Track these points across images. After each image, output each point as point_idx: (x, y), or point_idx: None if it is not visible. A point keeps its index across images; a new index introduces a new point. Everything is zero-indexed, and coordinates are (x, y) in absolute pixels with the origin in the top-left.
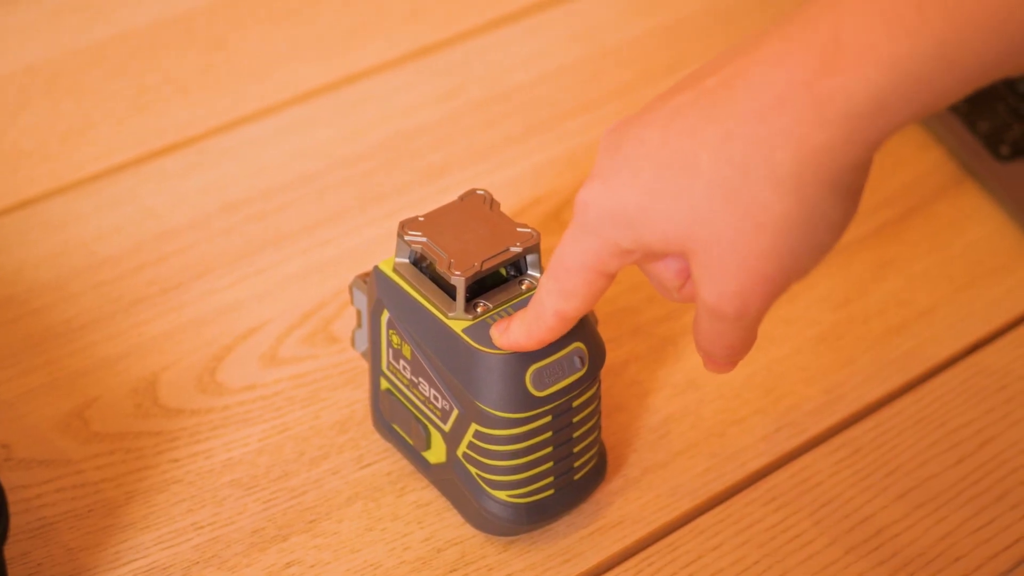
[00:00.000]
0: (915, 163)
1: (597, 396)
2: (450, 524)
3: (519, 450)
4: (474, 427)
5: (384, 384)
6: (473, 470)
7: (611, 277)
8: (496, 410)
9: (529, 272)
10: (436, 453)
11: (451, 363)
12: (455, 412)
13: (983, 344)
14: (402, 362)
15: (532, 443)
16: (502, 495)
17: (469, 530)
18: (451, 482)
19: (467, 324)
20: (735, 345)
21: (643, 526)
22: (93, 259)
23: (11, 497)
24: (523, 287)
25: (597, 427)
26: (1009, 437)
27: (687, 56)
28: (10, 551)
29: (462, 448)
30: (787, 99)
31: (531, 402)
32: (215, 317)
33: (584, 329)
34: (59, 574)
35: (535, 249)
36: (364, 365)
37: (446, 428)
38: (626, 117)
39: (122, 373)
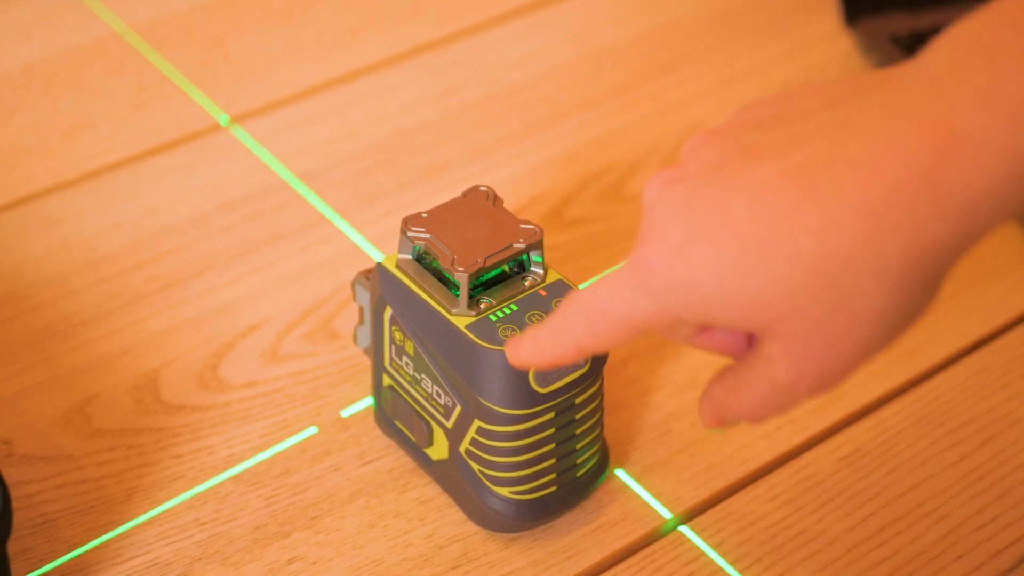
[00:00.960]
0: None
1: (600, 393)
2: (452, 521)
3: (522, 447)
4: (477, 423)
5: (386, 380)
6: (475, 467)
7: (647, 334)
8: (499, 407)
9: (532, 269)
10: (438, 449)
11: (454, 359)
12: (458, 408)
13: (984, 342)
14: (404, 358)
15: (535, 440)
16: (504, 492)
17: (471, 527)
18: (453, 479)
19: (470, 320)
20: (778, 412)
21: (645, 523)
22: (93, 256)
23: (13, 493)
24: (526, 283)
25: (599, 424)
26: (1010, 435)
27: (684, 55)
28: (13, 547)
29: (464, 445)
30: (903, 192)
31: (534, 399)
32: (215, 314)
33: None
34: (61, 570)
35: (538, 245)
36: (365, 362)
37: (449, 425)
38: (685, 168)
39: (123, 370)
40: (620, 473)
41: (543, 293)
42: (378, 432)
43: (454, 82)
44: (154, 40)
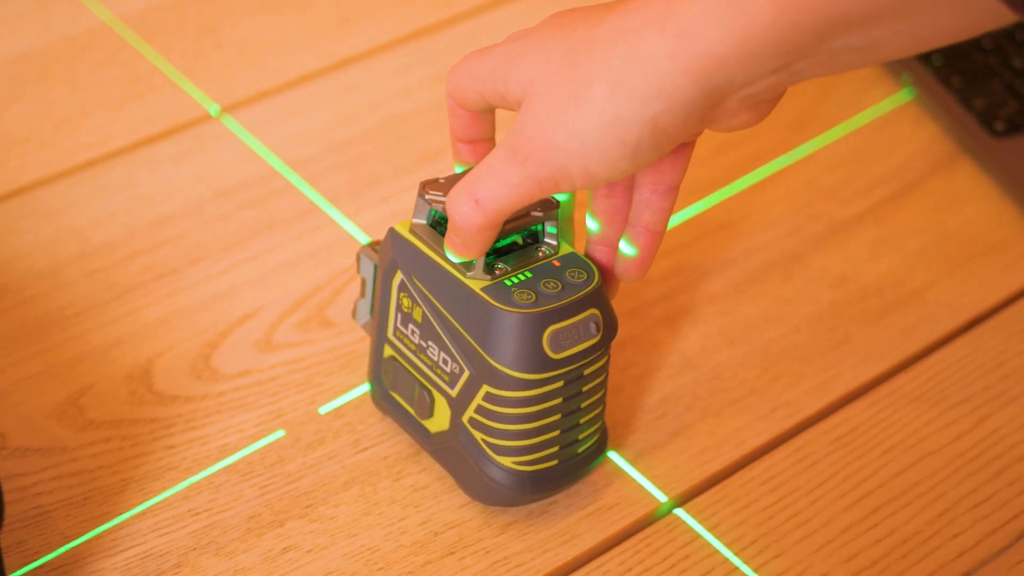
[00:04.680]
0: (910, 141)
1: (606, 369)
2: (447, 507)
3: (529, 414)
4: (485, 389)
5: (387, 352)
6: (479, 435)
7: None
8: (511, 370)
9: (546, 239)
10: (438, 421)
11: (467, 322)
12: (465, 375)
13: (980, 321)
14: (411, 326)
15: (542, 408)
16: (507, 461)
17: (466, 513)
18: (453, 451)
19: (486, 283)
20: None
21: (641, 507)
22: (87, 247)
23: (7, 486)
24: (539, 254)
25: (603, 402)
26: (1007, 414)
27: None
28: (6, 539)
29: (469, 413)
30: (646, 5)
31: (546, 364)
32: (209, 303)
33: (600, 298)
34: (56, 562)
35: (554, 217)
36: (360, 350)
37: (453, 393)
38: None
39: (117, 360)
40: (616, 457)
41: (556, 264)
42: (372, 420)
43: (448, 67)
44: (147, 29)
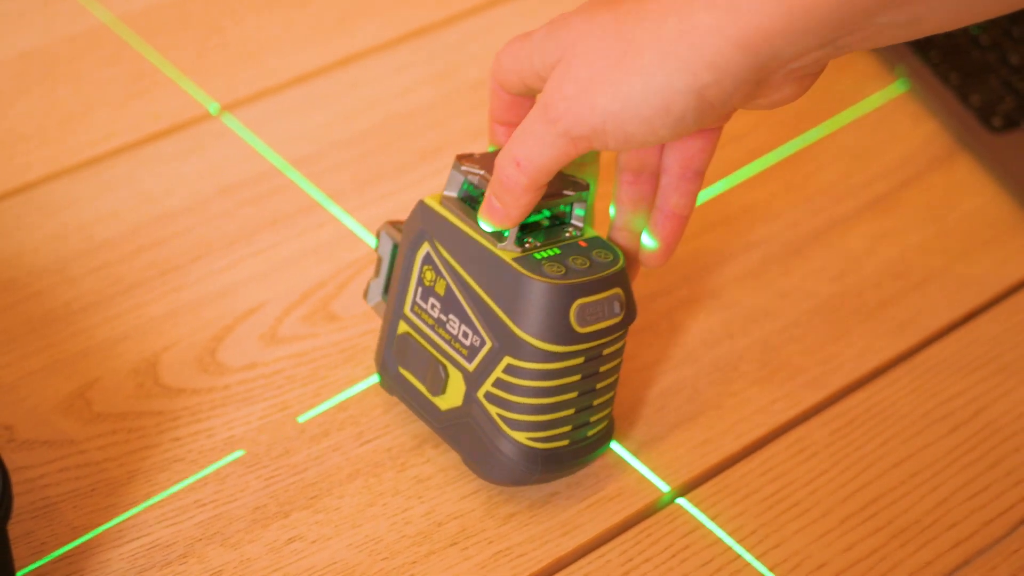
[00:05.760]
0: (909, 136)
1: (622, 352)
2: (451, 498)
3: (547, 388)
4: (507, 360)
5: (402, 328)
6: (494, 410)
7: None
8: (538, 339)
9: (573, 221)
10: (451, 397)
11: (496, 292)
12: (487, 346)
13: (977, 314)
14: (431, 300)
15: (561, 383)
16: (520, 436)
17: (469, 504)
18: (465, 426)
19: (516, 255)
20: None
21: (641, 497)
22: (92, 242)
23: (15, 478)
24: (566, 234)
25: (615, 387)
26: (1002, 405)
27: None
28: (15, 530)
29: (486, 387)
30: None
31: (571, 337)
32: (214, 298)
33: (624, 280)
34: (64, 553)
35: (583, 199)
36: (364, 343)
37: (470, 367)
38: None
39: (123, 354)
40: (618, 447)
41: (583, 244)
42: (376, 412)
43: (450, 65)
44: (151, 27)
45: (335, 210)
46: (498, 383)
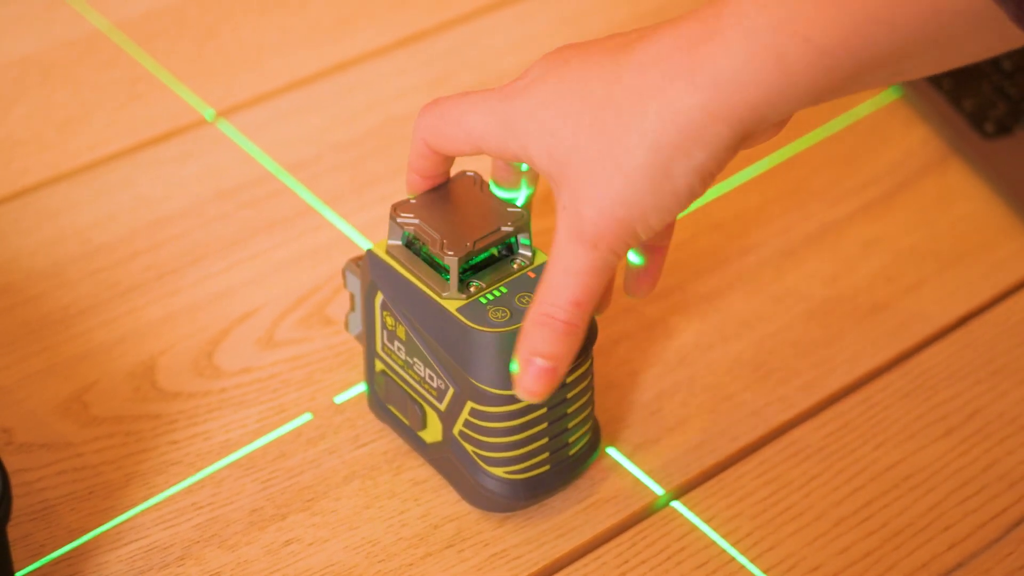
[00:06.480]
0: (901, 141)
1: (590, 373)
2: (446, 501)
3: (515, 427)
4: (470, 405)
5: (379, 366)
6: (469, 448)
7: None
8: (491, 387)
9: (520, 251)
10: (432, 432)
11: (446, 342)
12: (450, 391)
13: (970, 318)
14: (396, 343)
15: (528, 419)
16: (499, 472)
17: (465, 506)
18: (447, 460)
19: (461, 303)
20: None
21: (636, 500)
22: (89, 247)
23: (13, 480)
24: (514, 266)
25: (590, 404)
26: (996, 409)
27: None
28: (13, 533)
29: (458, 427)
30: (664, 58)
31: None
32: (211, 302)
33: None
34: (62, 555)
35: (525, 228)
36: (359, 347)
37: (442, 407)
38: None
39: (120, 358)
40: (612, 451)
41: (532, 275)
42: (371, 416)
43: (446, 69)
44: (149, 32)
45: (331, 214)
46: (467, 424)
